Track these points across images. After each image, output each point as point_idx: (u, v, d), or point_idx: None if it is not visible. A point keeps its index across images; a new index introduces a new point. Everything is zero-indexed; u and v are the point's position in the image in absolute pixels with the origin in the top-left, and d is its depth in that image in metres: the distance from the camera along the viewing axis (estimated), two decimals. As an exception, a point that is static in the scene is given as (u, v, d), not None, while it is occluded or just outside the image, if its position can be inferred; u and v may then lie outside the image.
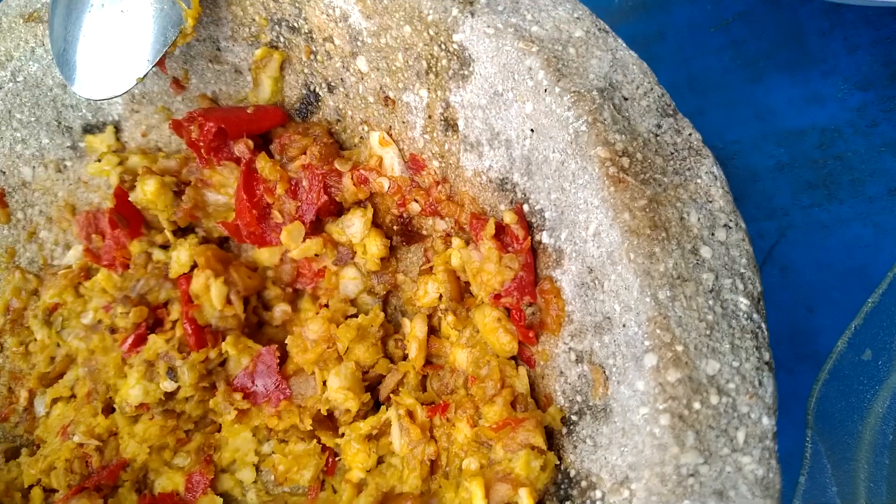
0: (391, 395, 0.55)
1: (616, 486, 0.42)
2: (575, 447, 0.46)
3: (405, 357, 0.59)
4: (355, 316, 0.60)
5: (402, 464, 0.56)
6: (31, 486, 0.62)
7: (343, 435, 0.59)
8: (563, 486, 0.46)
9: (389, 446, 0.56)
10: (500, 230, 0.50)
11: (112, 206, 0.61)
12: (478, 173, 0.52)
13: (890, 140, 0.64)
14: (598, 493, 0.43)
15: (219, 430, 0.65)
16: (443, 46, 0.51)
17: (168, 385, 0.59)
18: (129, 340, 0.60)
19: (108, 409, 0.63)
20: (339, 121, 0.60)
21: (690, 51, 0.71)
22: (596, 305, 0.45)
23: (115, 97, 0.56)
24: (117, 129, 0.64)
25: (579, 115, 0.44)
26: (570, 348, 0.47)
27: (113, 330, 0.61)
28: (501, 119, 0.49)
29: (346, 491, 0.59)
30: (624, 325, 0.42)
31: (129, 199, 0.62)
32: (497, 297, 0.50)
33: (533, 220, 0.50)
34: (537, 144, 0.47)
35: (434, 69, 0.52)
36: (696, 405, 0.39)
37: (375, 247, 0.58)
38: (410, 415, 0.53)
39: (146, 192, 0.59)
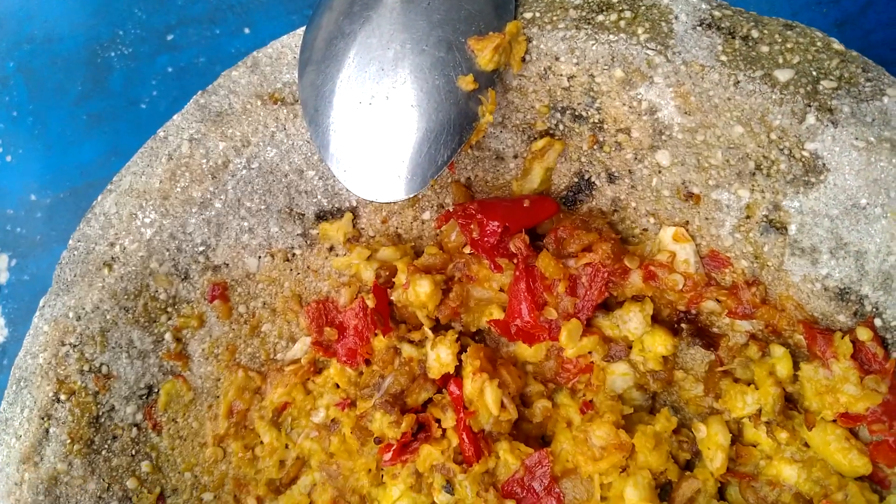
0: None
1: None
2: (964, 580, 0.45)
3: (689, 460, 0.57)
4: (631, 412, 0.57)
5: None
6: None
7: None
8: None
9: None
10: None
11: (373, 307, 0.56)
12: (809, 280, 0.50)
13: None
14: None
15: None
16: (786, 151, 0.48)
17: (443, 498, 0.55)
18: (393, 450, 0.56)
19: (361, 519, 0.59)
20: (615, 211, 0.56)
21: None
22: None
23: (406, 199, 0.51)
24: (354, 216, 0.59)
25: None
26: (947, 475, 0.45)
27: (379, 440, 0.56)
28: (857, 231, 0.47)
29: None
30: None
31: (392, 298, 0.57)
32: (847, 416, 0.48)
33: (887, 336, 0.47)
34: (908, 262, 0.45)
35: (765, 171, 0.49)
36: None
37: (662, 346, 0.55)
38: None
39: (419, 294, 0.55)
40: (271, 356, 0.62)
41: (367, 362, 0.60)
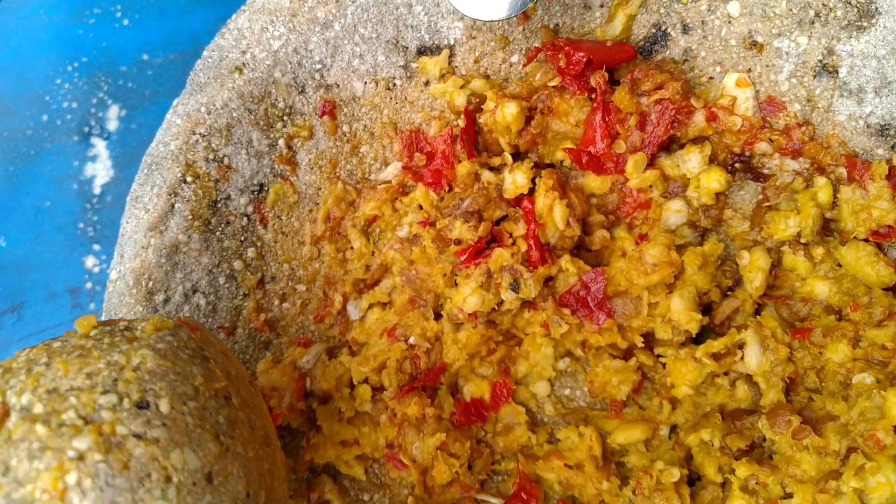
0: (753, 319, 0.59)
1: None
2: (966, 368, 0.51)
3: (731, 286, 0.64)
4: (682, 246, 0.65)
5: (729, 381, 0.61)
6: (357, 384, 0.66)
7: (659, 356, 0.65)
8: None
9: (727, 365, 0.60)
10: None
11: (463, 127, 0.64)
12: (854, 118, 0.57)
13: None
14: None
15: (518, 345, 0.69)
16: (844, -3, 0.55)
17: (509, 295, 0.63)
18: (468, 253, 0.64)
19: (434, 317, 0.67)
20: (686, 60, 0.64)
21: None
22: None
23: (502, 19, 0.59)
24: (451, 53, 0.67)
25: None
26: (961, 281, 0.52)
27: (458, 241, 0.64)
28: (902, 69, 0.54)
29: (665, 407, 0.64)
30: None
31: (480, 120, 0.65)
32: (876, 233, 0.55)
33: (920, 165, 0.54)
34: (944, 94, 0.52)
35: (822, 18, 0.56)
36: None
37: (716, 182, 0.62)
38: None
39: (506, 115, 0.63)
40: (366, 175, 0.70)
41: (450, 188, 0.68)
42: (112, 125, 0.97)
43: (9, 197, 0.97)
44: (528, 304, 0.67)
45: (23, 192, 0.97)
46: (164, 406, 0.42)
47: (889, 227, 0.54)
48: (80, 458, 0.39)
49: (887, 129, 0.56)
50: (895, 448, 0.49)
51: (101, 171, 0.97)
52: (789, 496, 0.53)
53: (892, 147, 0.56)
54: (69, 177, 0.96)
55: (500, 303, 0.65)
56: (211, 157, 0.65)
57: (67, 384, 0.42)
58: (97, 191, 0.96)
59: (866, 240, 0.57)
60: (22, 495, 0.40)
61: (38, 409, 0.41)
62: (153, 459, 0.40)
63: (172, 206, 0.64)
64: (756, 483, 0.54)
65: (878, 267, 0.55)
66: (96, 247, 0.94)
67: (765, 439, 0.57)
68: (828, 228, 0.59)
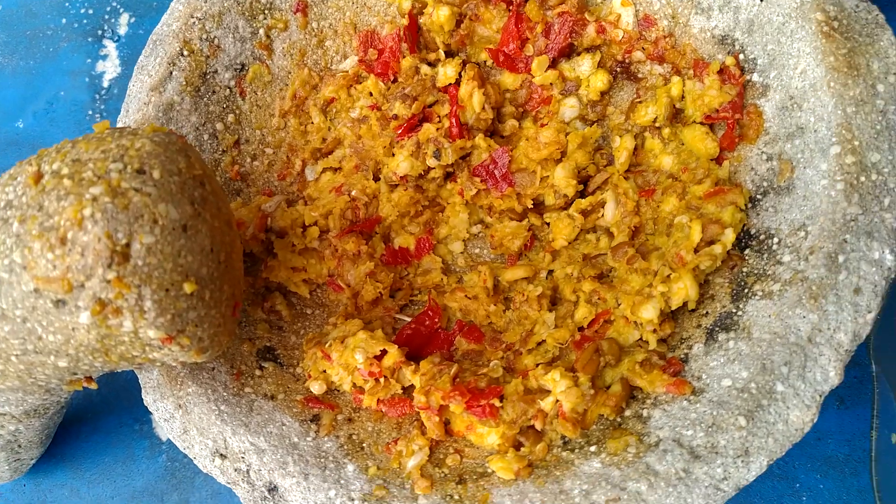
0: (610, 185, 0.76)
1: (793, 231, 0.64)
2: (758, 214, 0.68)
3: (607, 165, 0.81)
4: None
5: (596, 237, 0.78)
6: (308, 226, 0.83)
7: (546, 222, 0.81)
8: (742, 240, 0.69)
9: (592, 221, 0.77)
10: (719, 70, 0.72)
11: (406, 25, 0.81)
12: (703, 30, 0.74)
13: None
14: (776, 240, 0.66)
15: (441, 212, 0.86)
16: (696, -65, 0.71)
17: (432, 162, 0.80)
18: (403, 127, 0.81)
19: (374, 180, 0.83)
20: (584, -15, 0.80)
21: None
22: (791, 121, 0.67)
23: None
24: (402, -31, 0.84)
25: (803, -9, 0.65)
26: (762, 151, 0.69)
27: (396, 116, 0.81)
28: (734, -8, 0.71)
29: (546, 257, 0.81)
30: (815, 130, 0.64)
31: (420, 21, 0.81)
32: (709, 116, 0.72)
33: (745, 66, 0.71)
34: (763, 10, 0.69)
35: (682, -48, 0.73)
36: (862, 178, 0.62)
37: (600, 81, 0.79)
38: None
39: (440, 17, 0.79)
40: (328, 65, 0.87)
41: (394, 80, 0.85)
42: (122, 30, 1.13)
43: (28, 87, 1.13)
44: (449, 177, 0.83)
45: (41, 83, 1.13)
46: (156, 174, 0.58)
47: (717, 110, 0.71)
48: (94, 199, 0.56)
49: (726, 38, 0.72)
50: (693, 263, 0.66)
51: (110, 68, 1.13)
52: (619, 305, 0.70)
53: (728, 52, 0.72)
54: (82, 72, 1.12)
55: (427, 171, 0.82)
56: (204, 37, 0.81)
57: (87, 156, 0.59)
58: (106, 84, 1.12)
59: (702, 123, 0.73)
60: (52, 223, 0.56)
61: (65, 171, 0.58)
62: (146, 206, 0.57)
63: (171, 73, 0.80)
64: (598, 298, 0.71)
65: (707, 142, 0.72)
66: (102, 131, 1.09)
67: (611, 270, 0.74)
68: (677, 117, 0.76)
